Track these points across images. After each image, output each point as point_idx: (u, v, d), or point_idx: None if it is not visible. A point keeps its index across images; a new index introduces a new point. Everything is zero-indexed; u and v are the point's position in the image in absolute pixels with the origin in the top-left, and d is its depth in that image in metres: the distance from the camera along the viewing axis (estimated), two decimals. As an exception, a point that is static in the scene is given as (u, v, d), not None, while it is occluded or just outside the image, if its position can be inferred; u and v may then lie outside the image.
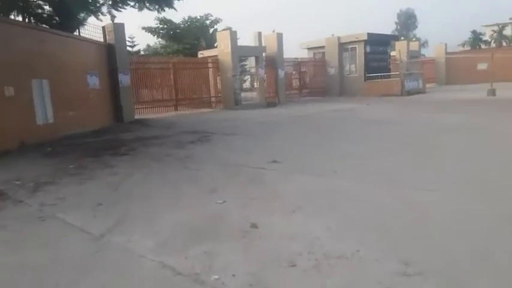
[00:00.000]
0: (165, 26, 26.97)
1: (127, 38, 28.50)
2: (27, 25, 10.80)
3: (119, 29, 13.49)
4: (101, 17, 14.19)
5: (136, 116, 14.60)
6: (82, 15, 13.38)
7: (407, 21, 62.41)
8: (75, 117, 10.71)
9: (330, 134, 9.15)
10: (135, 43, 29.90)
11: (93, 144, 8.94)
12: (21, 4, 11.77)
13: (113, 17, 13.73)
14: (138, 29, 27.83)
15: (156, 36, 27.86)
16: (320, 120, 12.04)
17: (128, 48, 27.98)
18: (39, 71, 9.37)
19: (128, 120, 13.48)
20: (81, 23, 13.27)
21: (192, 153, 7.17)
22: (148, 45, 30.44)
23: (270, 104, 18.31)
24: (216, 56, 18.11)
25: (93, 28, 13.05)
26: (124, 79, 13.64)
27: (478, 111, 11.71)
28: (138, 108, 15.35)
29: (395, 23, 62.89)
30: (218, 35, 18.80)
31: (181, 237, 3.28)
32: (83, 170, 6.15)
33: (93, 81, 12.19)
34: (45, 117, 9.50)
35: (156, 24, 26.80)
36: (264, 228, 3.34)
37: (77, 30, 12.90)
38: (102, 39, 13.35)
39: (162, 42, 28.53)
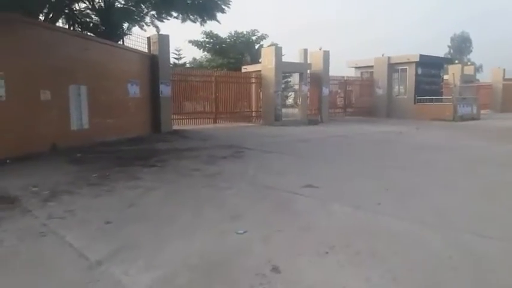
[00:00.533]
0: (211, 40, 27.07)
1: (173, 50, 29.09)
2: (70, 32, 10.91)
3: (163, 40, 13.46)
4: (146, 27, 14.31)
5: (175, 127, 14.45)
6: (126, 25, 13.46)
7: (461, 45, 59.77)
8: (112, 125, 10.60)
9: (374, 158, 8.36)
10: (182, 56, 30.27)
11: (124, 152, 8.68)
12: (68, 12, 11.95)
13: (157, 28, 13.76)
14: (185, 42, 28.15)
15: (202, 50, 28.03)
16: (364, 142, 11.21)
17: (174, 60, 28.47)
18: (78, 77, 9.35)
19: (165, 130, 13.31)
20: (126, 33, 13.36)
21: (222, 170, 6.67)
22: (194, 58, 30.69)
23: (312, 122, 17.65)
24: (260, 71, 17.79)
25: (138, 38, 13.11)
26: (165, 90, 13.52)
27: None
28: (178, 119, 15.23)
29: (448, 46, 60.42)
30: (263, 51, 18.53)
31: (187, 275, 2.72)
32: (104, 180, 5.80)
33: (134, 90, 12.12)
34: (80, 123, 9.41)
35: (203, 38, 26.99)
36: (287, 273, 2.73)
37: (122, 40, 12.96)
38: (146, 50, 13.37)
39: (208, 55, 28.67)
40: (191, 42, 27.35)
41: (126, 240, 3.40)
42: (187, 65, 29.48)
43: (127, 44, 12.81)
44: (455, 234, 3.49)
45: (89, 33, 12.40)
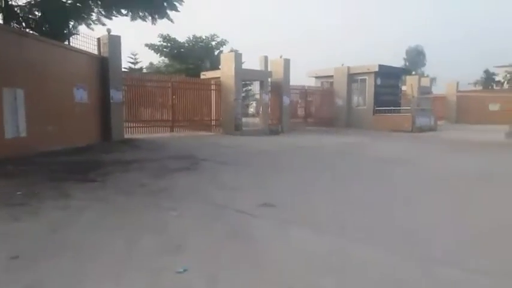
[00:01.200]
0: (169, 44, 26.18)
1: (129, 54, 27.99)
2: (2, 27, 9.81)
3: (114, 41, 12.48)
4: (95, 27, 13.35)
5: (129, 135, 13.54)
6: (72, 23, 12.45)
7: (415, 58, 61.81)
8: (54, 133, 9.61)
9: (337, 172, 7.94)
10: (138, 60, 29.16)
11: (64, 164, 7.79)
12: (3, 5, 10.83)
13: (108, 28, 12.83)
14: (142, 46, 27.18)
15: (159, 54, 27.05)
16: (326, 153, 10.84)
17: (130, 64, 27.32)
18: (14, 79, 8.36)
19: (116, 138, 12.37)
20: (72, 32, 12.35)
21: (171, 185, 5.99)
22: (151, 63, 29.66)
23: (273, 132, 17.20)
24: (219, 78, 17.16)
25: (87, 39, 12.08)
26: (116, 95, 12.58)
27: (504, 156, 10.52)
28: (132, 127, 14.26)
29: (404, 59, 62.26)
30: (222, 57, 17.91)
31: None
32: (31, 199, 4.97)
33: (81, 94, 11.15)
34: (16, 131, 8.41)
35: (159, 41, 26.03)
36: (233, 331, 2.13)
37: (68, 40, 11.94)
38: (96, 52, 12.39)
39: (166, 60, 27.73)
40: (148, 45, 26.36)
41: (31, 284, 2.68)
42: (144, 70, 28.41)
43: (74, 45, 11.81)
44: (433, 268, 3.02)
45: (31, 32, 11.32)
